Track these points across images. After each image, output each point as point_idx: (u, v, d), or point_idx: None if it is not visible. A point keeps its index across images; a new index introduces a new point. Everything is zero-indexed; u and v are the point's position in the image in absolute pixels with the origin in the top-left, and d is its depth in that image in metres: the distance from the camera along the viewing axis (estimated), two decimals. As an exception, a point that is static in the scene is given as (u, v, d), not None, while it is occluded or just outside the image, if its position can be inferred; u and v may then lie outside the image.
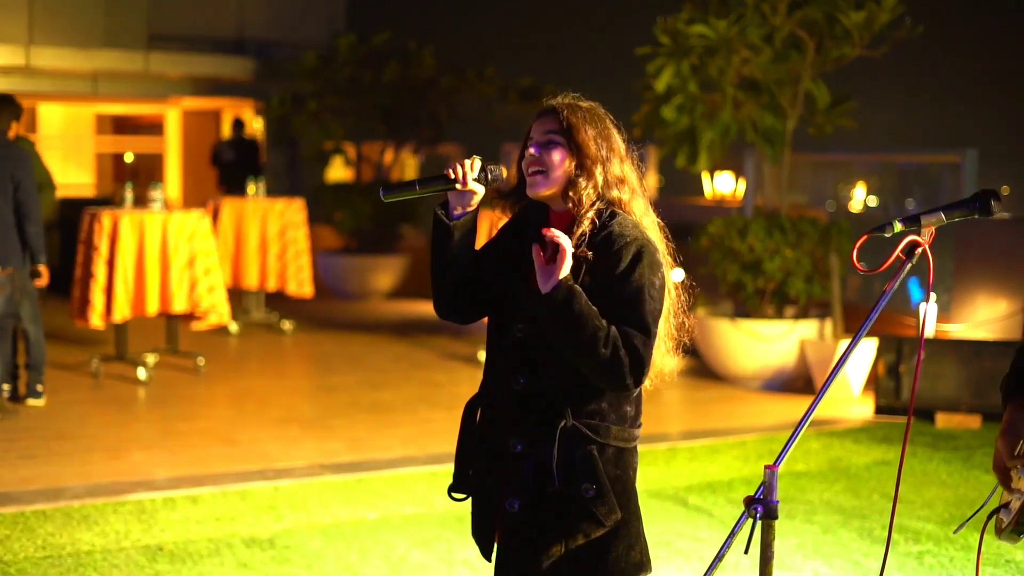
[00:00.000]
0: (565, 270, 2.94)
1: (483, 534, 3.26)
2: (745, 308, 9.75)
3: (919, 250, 2.73)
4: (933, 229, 2.74)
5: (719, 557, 2.75)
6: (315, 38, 17.17)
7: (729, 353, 9.62)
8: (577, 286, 2.95)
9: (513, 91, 14.23)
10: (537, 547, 3.07)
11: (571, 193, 3.07)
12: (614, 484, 3.07)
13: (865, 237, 2.72)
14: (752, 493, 2.76)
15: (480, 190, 3.12)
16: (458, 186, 3.09)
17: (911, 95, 10.59)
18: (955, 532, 3.32)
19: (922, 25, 9.10)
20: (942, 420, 8.35)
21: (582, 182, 3.06)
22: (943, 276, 9.42)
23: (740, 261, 9.53)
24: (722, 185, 12.36)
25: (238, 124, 16.37)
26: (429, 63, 14.73)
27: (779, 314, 9.71)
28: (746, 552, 2.74)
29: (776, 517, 2.73)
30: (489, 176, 3.12)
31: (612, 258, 3.00)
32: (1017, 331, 9.26)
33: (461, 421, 3.30)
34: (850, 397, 9.23)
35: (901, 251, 2.72)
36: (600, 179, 3.08)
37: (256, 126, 18.31)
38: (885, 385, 8.63)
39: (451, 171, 3.09)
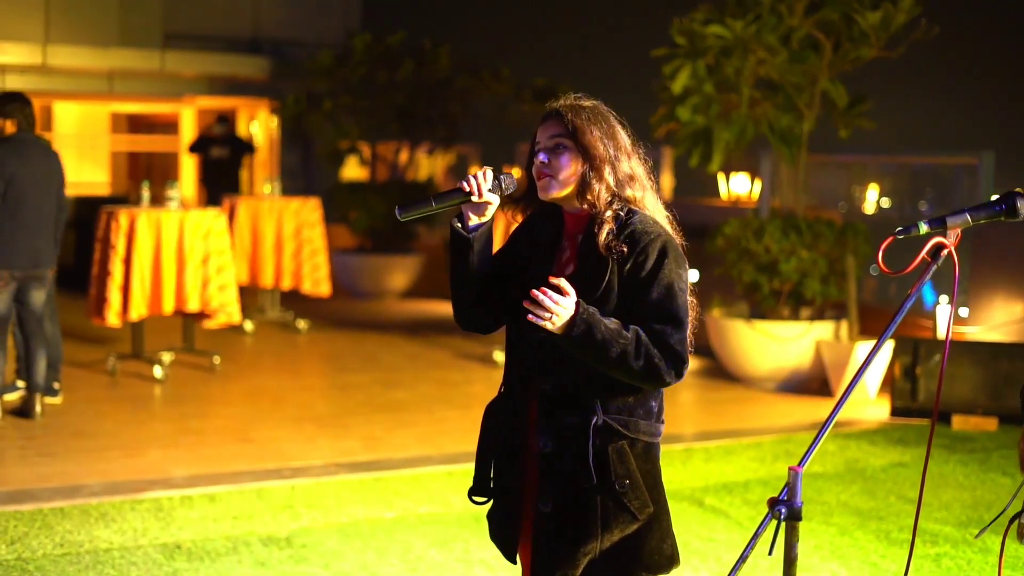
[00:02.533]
0: (570, 308, 2.89)
1: (507, 537, 3.25)
2: (761, 309, 9.74)
3: (945, 252, 2.72)
4: (959, 231, 2.74)
5: (743, 558, 2.75)
6: (330, 37, 17.18)
7: (744, 354, 9.61)
8: (592, 311, 2.92)
9: (528, 91, 14.22)
10: (573, 545, 3.07)
11: (588, 195, 3.07)
12: (645, 478, 3.09)
13: (891, 239, 2.72)
14: (769, 494, 2.76)
15: (495, 200, 3.13)
16: (473, 198, 3.10)
17: (927, 96, 10.57)
18: (976, 537, 3.31)
19: (938, 26, 9.08)
20: (958, 422, 8.33)
21: (595, 183, 3.07)
22: (960, 278, 9.39)
23: (756, 262, 9.52)
24: (738, 186, 12.34)
25: (223, 120, 16.23)
26: (444, 63, 14.73)
27: (795, 315, 9.69)
28: (770, 553, 2.74)
29: (800, 519, 2.73)
30: (503, 185, 3.13)
31: (638, 257, 3.01)
32: (1034, 333, 9.23)
33: (482, 424, 3.29)
34: (866, 399, 9.21)
35: (927, 253, 2.72)
36: (611, 179, 3.08)
37: (254, 127, 18.31)
38: (901, 387, 8.61)
39: (465, 184, 3.10)
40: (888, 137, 10.98)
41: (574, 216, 3.15)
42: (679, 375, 2.99)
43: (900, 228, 2.74)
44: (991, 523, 3.27)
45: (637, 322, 2.98)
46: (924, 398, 8.54)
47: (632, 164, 3.15)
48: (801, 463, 2.78)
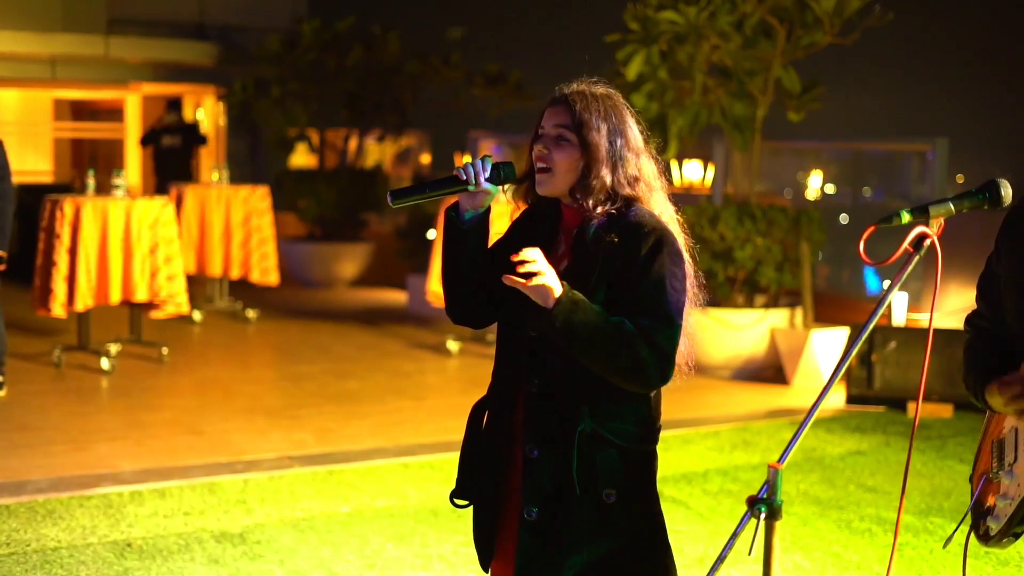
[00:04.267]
0: (557, 287, 2.77)
1: (484, 543, 3.10)
2: (716, 297, 9.69)
3: (927, 242, 2.65)
4: (942, 220, 2.66)
5: (721, 559, 2.66)
6: (278, 22, 16.95)
7: (699, 342, 9.54)
8: (578, 295, 2.79)
9: (479, 77, 14.09)
10: (557, 556, 2.92)
11: (583, 194, 2.92)
12: (636, 489, 2.95)
13: (873, 228, 2.64)
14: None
15: (492, 190, 2.97)
16: (471, 187, 2.95)
17: (881, 83, 10.56)
18: (944, 547, 3.25)
19: (892, 13, 9.06)
20: (914, 409, 8.32)
21: (593, 183, 2.91)
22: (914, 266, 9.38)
23: (711, 250, 9.47)
24: (690, 173, 12.29)
25: (175, 106, 15.94)
26: (394, 48, 14.58)
27: (749, 303, 9.66)
28: (750, 554, 2.65)
29: (780, 517, 2.64)
30: (501, 175, 2.98)
31: (630, 249, 2.85)
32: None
33: (467, 425, 3.13)
34: (821, 387, 9.16)
35: (909, 243, 2.64)
36: (610, 179, 2.91)
37: (200, 114, 18.06)
38: (857, 375, 8.59)
39: (462, 172, 2.94)
40: (841, 124, 10.96)
41: (572, 209, 2.99)
42: (664, 376, 2.82)
43: (882, 217, 2.67)
44: (956, 529, 3.21)
45: (625, 316, 2.81)
46: (880, 385, 8.53)
47: (640, 163, 2.97)
48: (781, 459, 2.70)
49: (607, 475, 2.90)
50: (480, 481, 3.08)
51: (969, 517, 3.08)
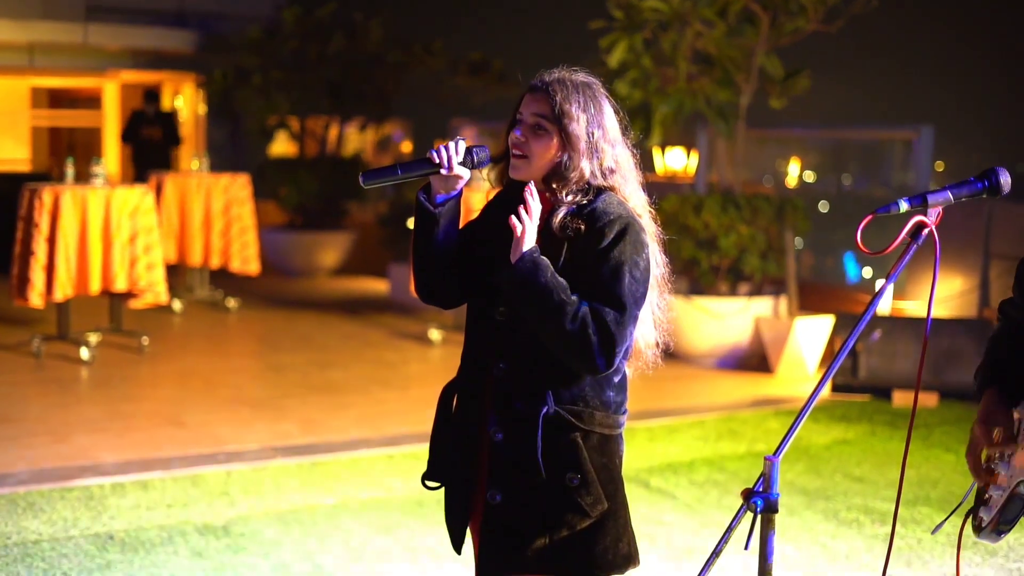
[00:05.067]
0: (529, 242, 2.84)
1: (455, 525, 3.13)
2: (699, 285, 9.66)
3: (926, 231, 2.61)
4: (940, 209, 2.62)
5: (716, 553, 2.63)
6: (259, 10, 16.82)
7: (683, 330, 9.53)
8: (544, 259, 2.84)
9: (462, 65, 14.02)
10: (521, 539, 2.95)
11: (554, 184, 2.94)
12: (599, 473, 2.96)
13: (869, 217, 2.60)
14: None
15: (465, 174, 2.98)
16: (443, 171, 2.95)
17: (866, 71, 10.53)
18: (933, 532, 3.22)
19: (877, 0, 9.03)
20: (899, 398, 8.30)
21: (569, 174, 2.93)
22: (897, 253, 9.38)
23: (695, 238, 9.44)
24: (673, 161, 12.26)
25: (152, 97, 15.77)
26: (376, 36, 14.48)
27: (733, 291, 9.63)
28: (746, 548, 2.62)
29: (777, 511, 2.61)
30: (475, 159, 2.98)
31: (594, 235, 2.87)
32: (972, 308, 9.24)
33: (437, 407, 3.16)
34: (806, 375, 9.17)
35: (907, 233, 2.60)
36: (587, 170, 2.94)
37: (179, 102, 17.91)
38: (842, 364, 8.56)
39: (435, 155, 2.94)
40: (826, 112, 10.93)
41: (543, 195, 3.00)
42: (608, 361, 2.83)
43: (880, 207, 2.63)
44: (947, 519, 3.18)
45: (581, 299, 2.84)
46: (865, 374, 8.51)
47: (617, 153, 2.99)
48: (777, 452, 2.67)
49: (571, 459, 2.92)
50: (451, 463, 3.11)
51: (967, 505, 3.05)
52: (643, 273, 2.90)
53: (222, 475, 6.40)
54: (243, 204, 12.00)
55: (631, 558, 3.01)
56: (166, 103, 17.88)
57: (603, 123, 2.97)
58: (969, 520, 3.08)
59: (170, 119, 15.83)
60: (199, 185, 11.79)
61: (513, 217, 2.85)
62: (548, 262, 2.84)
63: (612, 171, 2.97)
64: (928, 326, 2.67)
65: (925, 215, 2.62)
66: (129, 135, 15.49)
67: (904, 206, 2.61)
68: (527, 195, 2.87)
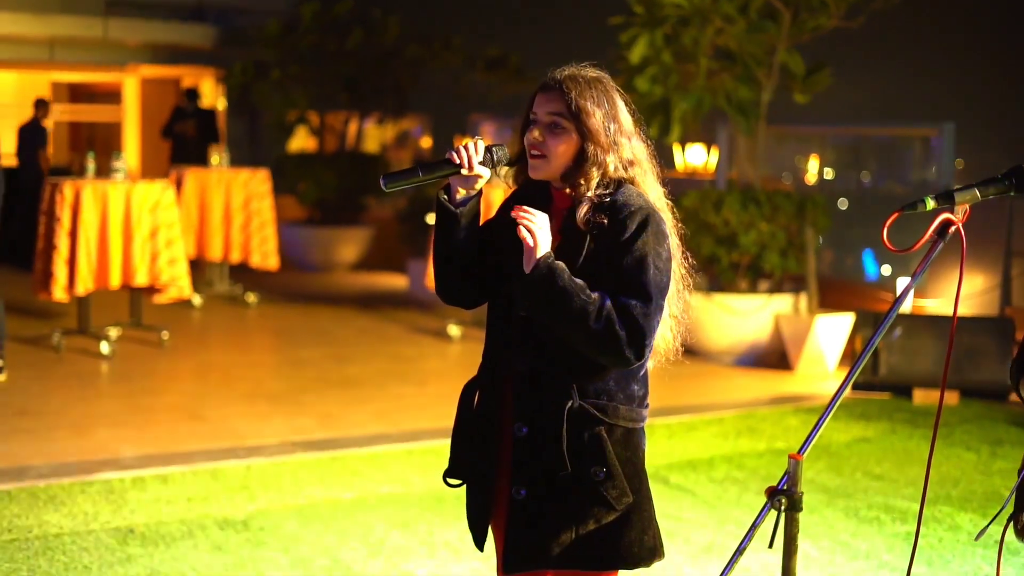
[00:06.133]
0: (543, 248, 2.83)
1: (477, 522, 3.13)
2: (719, 282, 9.64)
3: (952, 229, 2.59)
4: (967, 207, 2.61)
5: (740, 551, 2.62)
6: (277, 5, 16.84)
7: (703, 327, 9.51)
8: (559, 263, 2.83)
9: (480, 60, 14.01)
10: (546, 534, 2.94)
11: (578, 179, 2.93)
12: (624, 466, 2.96)
13: (896, 215, 2.59)
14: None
15: (485, 173, 2.98)
16: (463, 171, 2.95)
17: (888, 67, 10.48)
18: (976, 539, 3.20)
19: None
20: (920, 396, 8.27)
21: (591, 169, 2.92)
22: (920, 251, 9.34)
23: (715, 235, 9.42)
24: (693, 157, 12.23)
25: (193, 95, 15.85)
26: (394, 31, 14.49)
27: (753, 288, 9.61)
28: (770, 546, 2.61)
29: (801, 509, 2.60)
30: (494, 158, 2.99)
31: (616, 227, 2.87)
32: (993, 307, 9.20)
33: (459, 404, 3.16)
34: (825, 373, 9.14)
35: (934, 231, 2.59)
36: (611, 166, 2.93)
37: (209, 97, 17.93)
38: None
39: (455, 155, 2.95)
40: (847, 108, 10.89)
41: (561, 192, 3.00)
42: (639, 353, 2.83)
43: (903, 204, 2.61)
44: (991, 522, 3.16)
45: (606, 292, 2.83)
46: (885, 372, 8.48)
47: (633, 146, 2.99)
48: (801, 450, 2.66)
49: (596, 452, 2.92)
50: (472, 460, 3.10)
51: (1011, 507, 3.03)
52: (666, 263, 2.91)
53: (242, 469, 6.41)
54: (263, 199, 12.01)
55: (656, 550, 3.01)
56: (207, 101, 17.90)
57: (618, 117, 2.97)
58: (1011, 525, 3.05)
59: (207, 116, 15.86)
60: (219, 180, 11.81)
61: (521, 229, 2.84)
62: (563, 265, 2.83)
63: (632, 163, 2.98)
64: (954, 324, 2.65)
65: (952, 212, 2.60)
66: (166, 131, 15.57)
67: (931, 203, 2.59)
68: (519, 214, 2.85)
